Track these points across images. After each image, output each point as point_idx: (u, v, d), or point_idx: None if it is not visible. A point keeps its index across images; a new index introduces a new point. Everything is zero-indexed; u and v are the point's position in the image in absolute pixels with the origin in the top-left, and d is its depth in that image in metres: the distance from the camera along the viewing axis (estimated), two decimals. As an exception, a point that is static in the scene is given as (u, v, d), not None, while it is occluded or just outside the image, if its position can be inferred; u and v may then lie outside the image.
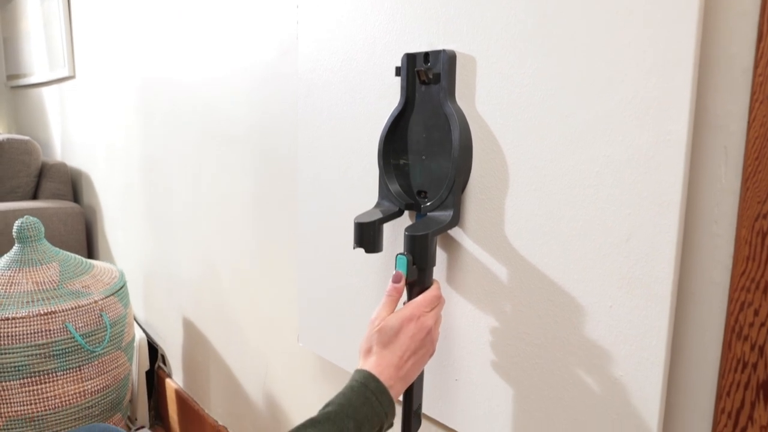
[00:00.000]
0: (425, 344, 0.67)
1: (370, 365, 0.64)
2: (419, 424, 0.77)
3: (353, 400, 0.61)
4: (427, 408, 0.82)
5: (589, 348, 0.62)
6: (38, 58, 2.66)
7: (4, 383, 1.30)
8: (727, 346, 0.54)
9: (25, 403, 1.32)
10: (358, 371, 0.64)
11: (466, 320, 0.75)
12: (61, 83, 2.47)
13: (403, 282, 0.69)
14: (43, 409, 1.34)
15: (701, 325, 0.57)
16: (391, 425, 0.64)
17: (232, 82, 1.25)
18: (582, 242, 0.62)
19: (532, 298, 0.67)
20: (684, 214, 0.55)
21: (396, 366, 0.64)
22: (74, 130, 2.42)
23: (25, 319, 1.31)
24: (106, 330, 1.44)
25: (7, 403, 1.31)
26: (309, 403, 1.15)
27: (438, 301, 0.70)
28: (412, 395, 0.73)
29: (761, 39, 0.49)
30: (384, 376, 0.63)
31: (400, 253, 0.69)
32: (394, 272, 0.69)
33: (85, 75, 2.21)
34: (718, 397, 0.55)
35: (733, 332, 0.53)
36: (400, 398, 0.70)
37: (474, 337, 0.74)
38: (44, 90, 2.71)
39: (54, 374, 1.35)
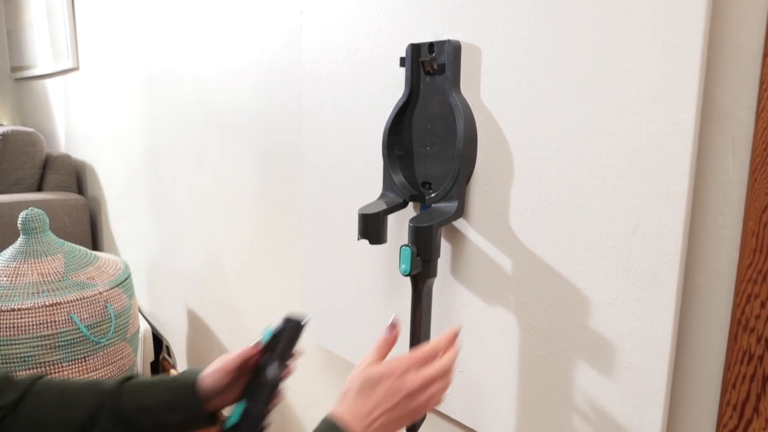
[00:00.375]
0: (399, 408, 0.59)
1: (341, 409, 0.60)
2: (424, 416, 0.76)
3: None
4: (431, 399, 0.82)
5: (594, 340, 0.62)
6: (42, 50, 2.65)
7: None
8: (733, 338, 0.54)
9: (31, 393, 1.33)
10: (325, 419, 0.60)
11: (470, 312, 0.75)
12: (65, 75, 2.47)
13: (396, 333, 0.64)
14: (48, 399, 1.35)
15: (707, 317, 0.56)
16: None
17: (236, 74, 1.24)
18: (587, 233, 0.61)
19: (537, 289, 0.67)
20: (691, 205, 0.54)
21: (364, 418, 0.59)
22: (78, 122, 2.42)
23: (30, 311, 1.32)
24: (111, 321, 1.44)
25: (13, 394, 1.32)
26: (312, 395, 1.16)
27: (433, 358, 0.62)
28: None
29: (771, 28, 0.49)
30: (351, 426, 0.58)
31: (405, 245, 0.69)
32: (390, 322, 0.65)
33: (88, 67, 2.20)
34: (724, 390, 0.55)
35: (739, 324, 0.53)
36: None
37: (478, 329, 0.74)
38: (48, 82, 2.71)
39: (59, 365, 1.35)
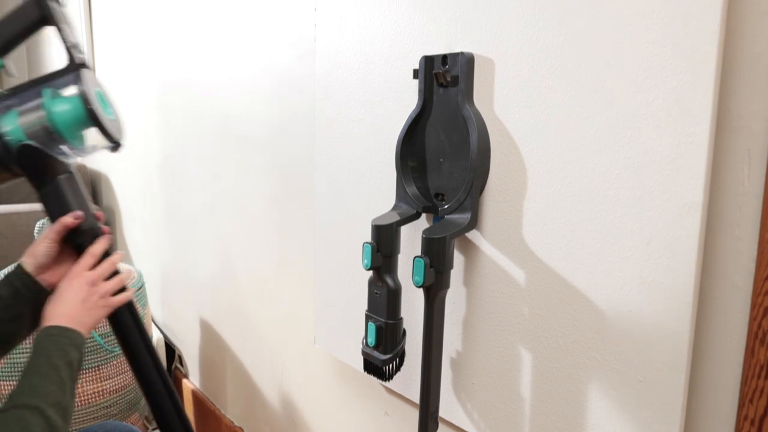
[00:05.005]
0: (90, 294, 0.82)
1: (54, 321, 0.79)
2: (436, 426, 0.76)
3: (40, 342, 0.76)
4: (443, 411, 0.81)
5: (609, 352, 0.61)
6: (59, 60, 2.70)
7: (25, 382, 1.31)
8: (750, 351, 0.53)
9: (45, 401, 1.33)
10: (47, 330, 0.78)
11: (484, 323, 0.75)
12: (81, 86, 2.50)
13: (77, 220, 0.86)
14: (62, 407, 1.35)
15: (723, 330, 0.56)
16: (83, 343, 0.80)
17: (251, 84, 1.26)
18: (601, 245, 0.61)
19: (551, 301, 0.67)
20: (706, 217, 0.54)
21: (70, 314, 0.79)
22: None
23: (45, 319, 1.33)
24: (125, 330, 1.45)
25: (27, 402, 1.32)
26: (325, 405, 1.15)
27: (92, 260, 0.85)
28: (429, 399, 0.73)
29: (786, 40, 0.49)
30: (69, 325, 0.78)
31: (418, 256, 0.68)
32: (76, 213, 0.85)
33: (104, 76, 2.24)
34: (741, 404, 0.54)
35: (756, 338, 0.52)
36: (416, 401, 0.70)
37: (491, 341, 0.74)
38: (65, 93, 2.75)
39: (74, 373, 1.36)
